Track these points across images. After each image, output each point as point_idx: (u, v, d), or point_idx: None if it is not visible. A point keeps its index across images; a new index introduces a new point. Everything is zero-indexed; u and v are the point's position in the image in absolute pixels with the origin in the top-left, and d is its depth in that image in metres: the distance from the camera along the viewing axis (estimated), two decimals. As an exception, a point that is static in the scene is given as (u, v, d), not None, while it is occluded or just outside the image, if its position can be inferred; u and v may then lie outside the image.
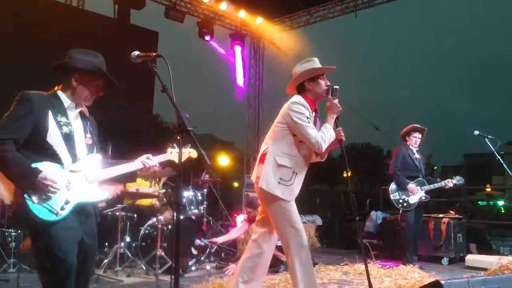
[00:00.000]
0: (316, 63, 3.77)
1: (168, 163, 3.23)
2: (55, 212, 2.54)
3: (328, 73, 3.81)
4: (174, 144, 3.16)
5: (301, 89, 3.76)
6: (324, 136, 3.56)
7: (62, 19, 8.35)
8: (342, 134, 3.68)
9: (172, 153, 3.16)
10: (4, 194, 2.62)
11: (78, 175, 2.71)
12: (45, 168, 2.56)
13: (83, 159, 2.76)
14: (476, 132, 5.84)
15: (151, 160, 3.00)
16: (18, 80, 6.99)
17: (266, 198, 3.62)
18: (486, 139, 5.80)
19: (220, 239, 6.45)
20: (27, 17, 7.96)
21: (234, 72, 11.79)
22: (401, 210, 6.68)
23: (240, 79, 11.79)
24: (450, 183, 6.63)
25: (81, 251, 2.64)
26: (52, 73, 2.82)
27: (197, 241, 6.21)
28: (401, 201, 6.57)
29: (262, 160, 3.67)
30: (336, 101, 3.68)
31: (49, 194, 2.53)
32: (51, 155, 2.62)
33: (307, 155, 3.71)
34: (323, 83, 3.73)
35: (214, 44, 11.31)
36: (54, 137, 2.63)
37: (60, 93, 2.78)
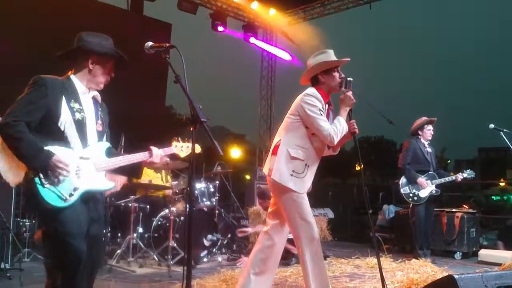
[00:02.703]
0: (330, 55, 3.72)
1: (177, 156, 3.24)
2: (64, 198, 2.56)
3: (342, 65, 3.76)
4: (179, 138, 3.20)
5: (314, 81, 3.72)
6: (337, 129, 3.53)
7: (76, 10, 8.36)
8: (355, 126, 3.64)
9: (176, 147, 3.19)
10: (8, 176, 2.62)
11: (87, 162, 2.72)
12: (57, 151, 2.57)
13: (93, 146, 2.78)
14: (491, 126, 5.73)
15: (157, 150, 3.02)
16: (29, 70, 7.03)
17: (278, 190, 3.61)
18: (501, 132, 5.71)
19: (250, 229, 6.61)
20: (41, 8, 8.00)
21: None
22: (411, 204, 6.64)
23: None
24: (460, 176, 6.60)
25: (89, 238, 2.65)
26: (64, 58, 2.84)
27: (209, 236, 6.23)
28: (411, 195, 6.52)
29: (274, 152, 3.65)
30: (349, 93, 3.64)
31: (61, 177, 2.54)
32: (62, 140, 2.63)
33: (320, 147, 3.69)
34: (336, 76, 3.68)
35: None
36: (66, 122, 2.65)
37: (73, 77, 2.79)
